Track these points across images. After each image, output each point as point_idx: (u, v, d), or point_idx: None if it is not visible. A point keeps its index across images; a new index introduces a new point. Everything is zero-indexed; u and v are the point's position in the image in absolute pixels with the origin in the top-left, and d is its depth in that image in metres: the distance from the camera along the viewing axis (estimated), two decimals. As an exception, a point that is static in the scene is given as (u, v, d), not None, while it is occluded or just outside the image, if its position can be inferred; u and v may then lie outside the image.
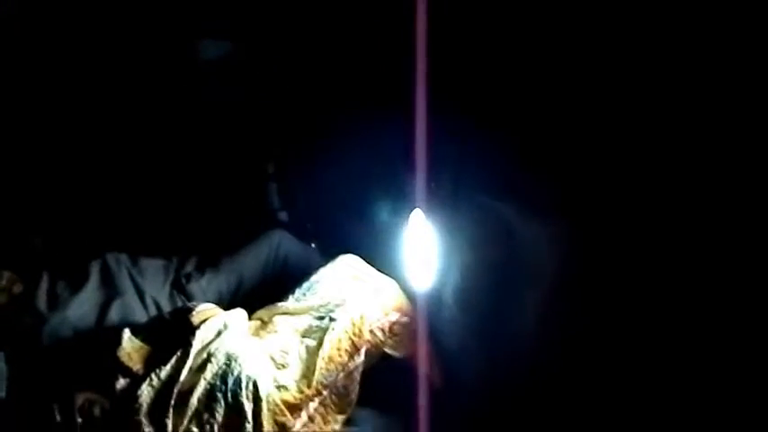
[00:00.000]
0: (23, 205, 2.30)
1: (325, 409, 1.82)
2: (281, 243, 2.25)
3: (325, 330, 1.86)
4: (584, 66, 1.79)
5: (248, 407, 1.69)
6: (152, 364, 1.75)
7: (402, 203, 2.21)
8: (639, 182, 1.71)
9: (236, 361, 1.74)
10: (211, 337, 1.79)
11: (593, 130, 1.80)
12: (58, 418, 1.65)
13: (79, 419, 1.66)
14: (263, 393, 1.71)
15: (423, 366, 2.02)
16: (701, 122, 1.55)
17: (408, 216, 2.15)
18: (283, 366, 1.82)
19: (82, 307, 1.96)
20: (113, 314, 1.98)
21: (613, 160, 1.76)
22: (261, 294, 2.14)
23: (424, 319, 2.05)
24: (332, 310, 1.91)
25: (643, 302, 1.69)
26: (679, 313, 1.61)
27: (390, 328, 1.96)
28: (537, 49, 1.88)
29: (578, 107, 1.82)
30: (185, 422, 1.66)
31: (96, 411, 1.68)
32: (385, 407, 2.01)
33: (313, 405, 1.80)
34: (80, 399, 1.69)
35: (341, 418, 1.84)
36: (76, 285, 2.01)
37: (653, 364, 1.66)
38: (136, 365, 1.75)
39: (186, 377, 1.71)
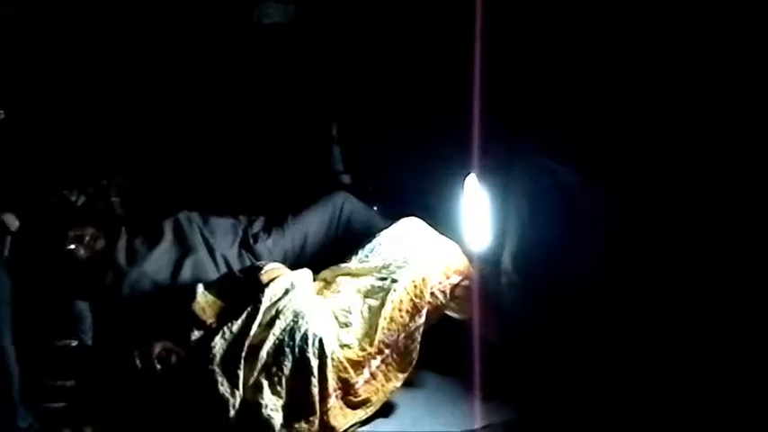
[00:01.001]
0: (103, 167, 2.42)
1: (386, 368, 1.87)
2: (344, 205, 2.28)
3: (387, 291, 1.90)
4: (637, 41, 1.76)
5: (314, 362, 1.75)
6: (224, 318, 1.83)
7: (461, 166, 2.21)
8: (695, 146, 1.69)
9: (303, 318, 1.80)
10: (280, 294, 1.85)
11: (648, 98, 1.77)
12: (139, 364, 1.76)
13: (158, 366, 1.76)
14: (328, 350, 1.78)
15: (481, 328, 2.05)
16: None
17: (465, 179, 2.16)
18: (346, 325, 1.88)
19: (158, 262, 2.06)
20: (186, 270, 2.08)
21: (667, 126, 1.73)
22: (324, 254, 2.20)
23: (483, 282, 2.07)
24: (394, 272, 1.94)
25: (696, 265, 1.69)
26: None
27: (452, 291, 1.99)
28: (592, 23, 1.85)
29: (631, 76, 1.79)
30: (255, 374, 1.74)
31: (173, 359, 1.78)
32: (445, 367, 2.06)
33: (375, 363, 1.86)
34: (158, 347, 1.80)
35: (402, 376, 1.89)
36: (152, 242, 2.12)
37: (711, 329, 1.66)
38: (209, 319, 1.84)
39: (256, 332, 1.78)
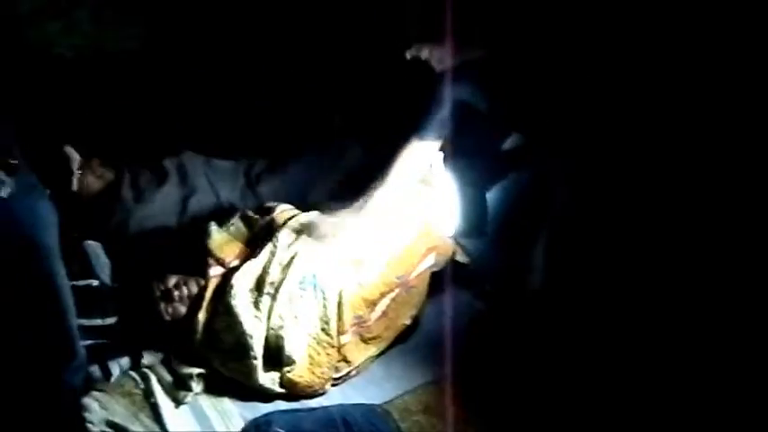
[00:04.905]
0: (99, 101, 2.31)
1: (397, 305, 1.94)
2: (347, 151, 2.29)
3: (399, 231, 1.96)
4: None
5: (334, 299, 1.81)
6: (242, 256, 1.85)
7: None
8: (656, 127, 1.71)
9: (319, 258, 1.84)
10: (296, 235, 1.88)
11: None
12: (158, 293, 1.76)
13: (177, 296, 1.77)
14: (344, 288, 1.83)
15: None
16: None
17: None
18: (360, 264, 1.93)
19: (165, 201, 2.04)
20: (191, 210, 2.07)
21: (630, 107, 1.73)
22: (328, 198, 2.22)
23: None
24: (405, 215, 1.99)
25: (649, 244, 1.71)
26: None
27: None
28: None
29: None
30: (277, 310, 1.78)
31: (194, 288, 1.79)
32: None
33: (385, 301, 1.92)
34: (174, 278, 1.80)
35: (410, 314, 1.97)
36: (157, 181, 2.08)
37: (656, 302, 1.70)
38: (228, 257, 1.85)
39: (275, 270, 1.81)
